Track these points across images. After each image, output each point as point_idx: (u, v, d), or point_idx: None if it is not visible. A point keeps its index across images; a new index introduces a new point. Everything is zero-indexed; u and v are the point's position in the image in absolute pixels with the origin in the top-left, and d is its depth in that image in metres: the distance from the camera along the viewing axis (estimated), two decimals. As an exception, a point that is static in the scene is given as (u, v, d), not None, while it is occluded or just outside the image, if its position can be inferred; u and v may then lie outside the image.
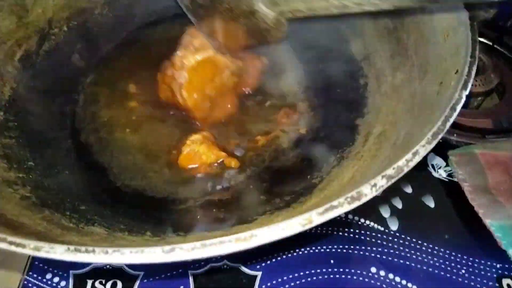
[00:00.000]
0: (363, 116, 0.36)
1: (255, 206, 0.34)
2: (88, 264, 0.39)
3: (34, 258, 0.39)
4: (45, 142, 0.36)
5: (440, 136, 0.22)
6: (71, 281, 0.38)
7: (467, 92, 0.25)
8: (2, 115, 0.35)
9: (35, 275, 0.39)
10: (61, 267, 0.39)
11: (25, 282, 0.38)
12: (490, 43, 0.55)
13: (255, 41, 0.38)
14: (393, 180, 0.21)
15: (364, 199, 0.20)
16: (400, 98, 0.33)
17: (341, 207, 0.19)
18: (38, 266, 0.39)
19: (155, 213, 0.35)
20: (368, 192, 0.20)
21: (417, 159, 0.22)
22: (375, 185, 0.20)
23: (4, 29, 0.38)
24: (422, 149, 0.22)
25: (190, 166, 0.38)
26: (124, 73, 0.44)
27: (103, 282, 0.38)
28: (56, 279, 0.39)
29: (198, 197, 0.36)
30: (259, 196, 0.35)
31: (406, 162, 0.21)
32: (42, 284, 0.38)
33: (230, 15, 0.36)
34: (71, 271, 0.39)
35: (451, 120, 0.23)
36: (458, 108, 0.24)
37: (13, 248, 0.18)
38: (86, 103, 0.41)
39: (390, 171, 0.21)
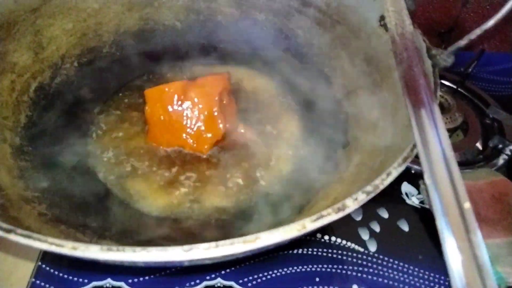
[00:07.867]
0: (344, 148, 0.41)
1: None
2: (89, 282, 0.41)
3: (37, 274, 0.41)
4: (56, 165, 0.39)
5: (409, 160, 0.27)
6: (73, 299, 0.40)
7: (430, 126, 0.30)
8: (19, 140, 0.38)
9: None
10: (63, 286, 0.41)
11: None
12: (455, 87, 0.62)
13: None
14: (371, 195, 0.25)
15: (348, 210, 0.24)
16: (375, 132, 0.38)
17: (329, 215, 0.23)
18: (40, 285, 0.41)
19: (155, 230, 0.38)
20: (351, 204, 0.24)
21: (390, 179, 0.26)
22: (356, 198, 0.25)
23: (21, 64, 0.42)
24: (394, 170, 0.26)
25: None
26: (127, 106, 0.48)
27: (104, 301, 0.40)
28: (59, 298, 0.40)
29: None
30: (253, 216, 0.39)
31: (381, 181, 0.26)
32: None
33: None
34: (74, 291, 0.41)
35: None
36: (423, 138, 0.29)
37: (53, 248, 0.21)
38: (94, 131, 0.44)
39: (368, 188, 0.25)
